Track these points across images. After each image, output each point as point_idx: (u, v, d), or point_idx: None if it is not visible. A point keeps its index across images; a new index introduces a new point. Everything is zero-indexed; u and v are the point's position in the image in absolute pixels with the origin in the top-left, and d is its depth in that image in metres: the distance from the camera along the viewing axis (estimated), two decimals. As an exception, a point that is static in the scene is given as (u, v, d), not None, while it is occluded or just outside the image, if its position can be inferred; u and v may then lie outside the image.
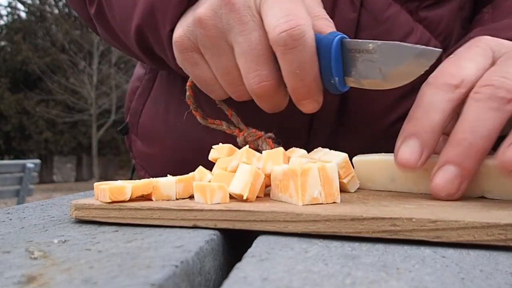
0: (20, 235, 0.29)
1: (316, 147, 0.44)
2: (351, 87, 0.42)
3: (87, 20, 0.61)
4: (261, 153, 0.38)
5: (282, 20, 0.37)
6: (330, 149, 0.42)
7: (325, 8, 0.51)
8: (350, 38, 0.43)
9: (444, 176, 0.34)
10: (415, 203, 0.32)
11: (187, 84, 0.50)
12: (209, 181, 0.36)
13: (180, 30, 0.43)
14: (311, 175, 0.31)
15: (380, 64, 0.38)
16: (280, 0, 0.39)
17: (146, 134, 0.68)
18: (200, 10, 0.41)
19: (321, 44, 0.39)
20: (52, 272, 0.21)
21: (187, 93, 0.50)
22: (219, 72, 0.43)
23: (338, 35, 0.39)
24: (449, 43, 0.58)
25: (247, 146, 0.39)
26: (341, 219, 0.27)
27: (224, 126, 0.49)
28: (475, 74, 0.36)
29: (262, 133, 0.46)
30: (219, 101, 0.49)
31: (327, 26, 0.42)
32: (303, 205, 0.31)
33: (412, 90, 0.57)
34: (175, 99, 0.62)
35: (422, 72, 0.36)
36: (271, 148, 0.45)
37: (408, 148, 0.36)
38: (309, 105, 0.42)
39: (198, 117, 0.50)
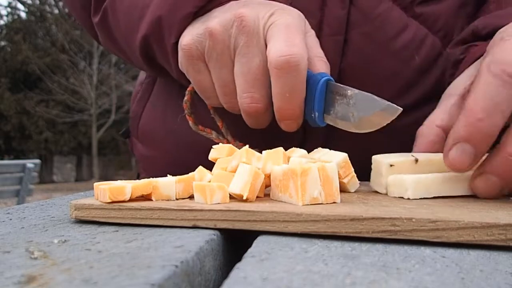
0: (20, 235, 0.29)
1: (312, 145, 0.44)
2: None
3: (89, 27, 0.62)
4: None
5: (283, 46, 0.41)
6: (327, 148, 0.42)
7: (314, 6, 0.53)
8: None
9: (485, 184, 0.35)
10: (415, 203, 0.32)
11: (188, 89, 0.52)
12: (209, 181, 0.36)
13: (189, 38, 0.46)
14: (311, 175, 0.31)
15: (353, 110, 0.42)
16: (285, 29, 0.42)
17: (146, 136, 0.69)
18: (212, 24, 0.44)
19: (310, 80, 0.43)
20: (52, 272, 0.21)
21: (185, 98, 0.52)
22: (218, 82, 0.47)
23: (326, 76, 0.43)
24: (450, 39, 0.57)
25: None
26: (341, 219, 0.27)
27: (213, 135, 0.52)
28: None
29: (247, 146, 0.47)
30: (213, 111, 0.52)
31: (322, 67, 0.46)
32: (303, 205, 0.31)
33: (409, 86, 0.56)
34: (172, 103, 0.63)
35: (385, 124, 0.40)
36: None
37: (460, 153, 0.35)
38: (290, 125, 0.46)
39: (190, 122, 0.53)
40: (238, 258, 0.23)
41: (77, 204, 0.33)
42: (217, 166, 0.39)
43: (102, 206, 0.33)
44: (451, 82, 0.48)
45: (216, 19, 0.45)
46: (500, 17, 0.43)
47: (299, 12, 0.47)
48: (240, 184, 0.33)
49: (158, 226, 0.31)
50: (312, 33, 0.49)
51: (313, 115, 0.44)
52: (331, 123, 0.44)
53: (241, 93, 0.45)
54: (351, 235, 0.27)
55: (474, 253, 0.24)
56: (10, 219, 0.35)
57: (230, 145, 0.42)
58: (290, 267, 0.21)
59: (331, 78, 0.44)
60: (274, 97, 0.44)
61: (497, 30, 0.40)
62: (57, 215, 0.37)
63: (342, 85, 0.42)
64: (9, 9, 16.24)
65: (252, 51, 0.43)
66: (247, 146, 0.38)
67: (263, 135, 0.50)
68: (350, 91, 0.42)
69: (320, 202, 0.32)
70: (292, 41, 0.42)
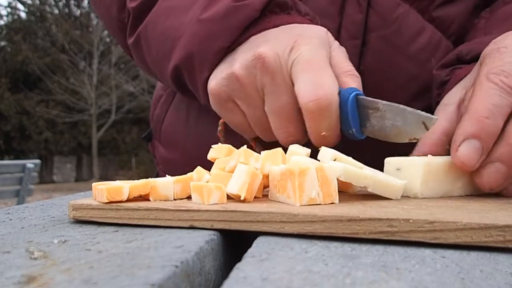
0: (20, 235, 0.29)
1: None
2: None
3: (125, 47, 0.63)
4: None
5: (311, 89, 0.41)
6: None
7: (332, 10, 0.53)
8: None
9: (492, 173, 0.37)
10: (414, 204, 0.32)
11: (220, 121, 0.54)
12: (207, 181, 0.36)
13: (215, 82, 0.46)
14: (309, 175, 0.31)
15: (387, 122, 0.42)
16: (309, 66, 0.42)
17: (168, 139, 0.70)
18: (235, 67, 0.45)
19: (340, 98, 0.43)
20: (52, 272, 0.21)
21: (219, 128, 0.54)
22: (252, 120, 0.47)
23: (354, 91, 0.43)
24: (461, 44, 0.58)
25: None
26: (338, 220, 0.27)
27: None
28: None
29: (245, 146, 0.48)
30: None
31: (353, 82, 0.45)
32: (300, 205, 0.31)
33: (426, 89, 0.57)
34: (195, 105, 0.65)
35: (423, 134, 0.39)
36: None
37: (470, 149, 0.36)
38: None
39: None
40: (238, 258, 0.23)
41: (75, 204, 0.33)
42: (216, 166, 0.39)
43: (100, 206, 0.33)
44: (438, 101, 0.50)
45: (238, 62, 0.45)
46: (484, 43, 0.44)
47: (319, 28, 0.46)
48: (237, 184, 0.33)
49: (157, 226, 0.31)
50: (336, 45, 0.48)
51: (350, 131, 0.44)
52: (371, 135, 0.44)
53: (276, 129, 0.46)
54: (348, 236, 0.27)
55: (474, 253, 0.24)
56: (10, 219, 0.36)
57: (229, 145, 0.42)
58: (290, 267, 0.21)
59: (360, 92, 0.43)
60: (310, 135, 0.44)
61: (480, 56, 0.42)
62: (57, 215, 0.37)
63: (371, 99, 0.42)
64: (9, 9, 16.24)
65: (278, 89, 0.44)
66: (245, 146, 0.38)
67: None
68: (381, 104, 0.42)
69: (318, 203, 0.32)
70: (318, 80, 0.41)
